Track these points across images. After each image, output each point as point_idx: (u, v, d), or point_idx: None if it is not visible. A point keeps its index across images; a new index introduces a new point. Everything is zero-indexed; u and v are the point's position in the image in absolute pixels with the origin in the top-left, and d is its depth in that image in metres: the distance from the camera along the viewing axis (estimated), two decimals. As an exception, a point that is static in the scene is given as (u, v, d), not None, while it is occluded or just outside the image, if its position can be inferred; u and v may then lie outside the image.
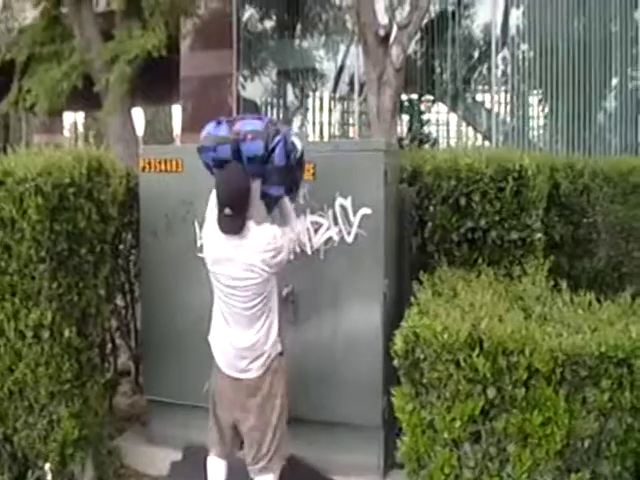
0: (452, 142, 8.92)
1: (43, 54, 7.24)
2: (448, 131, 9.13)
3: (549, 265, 3.71)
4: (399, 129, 7.91)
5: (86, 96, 6.92)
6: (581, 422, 2.57)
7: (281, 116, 9.79)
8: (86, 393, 3.62)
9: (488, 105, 8.63)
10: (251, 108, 9.40)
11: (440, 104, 9.06)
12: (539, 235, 3.84)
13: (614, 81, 8.05)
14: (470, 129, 9.23)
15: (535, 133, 8.72)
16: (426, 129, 9.09)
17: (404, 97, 8.30)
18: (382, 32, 5.96)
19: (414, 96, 8.95)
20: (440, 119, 9.14)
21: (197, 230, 3.75)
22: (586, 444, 2.58)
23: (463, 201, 3.76)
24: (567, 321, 2.80)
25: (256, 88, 9.57)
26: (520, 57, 8.31)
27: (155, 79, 8.34)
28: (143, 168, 3.96)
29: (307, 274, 3.54)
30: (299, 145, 3.15)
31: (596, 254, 4.99)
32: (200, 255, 3.51)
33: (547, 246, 4.14)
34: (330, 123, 9.84)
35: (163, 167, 3.89)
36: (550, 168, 4.44)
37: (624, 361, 2.56)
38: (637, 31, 7.80)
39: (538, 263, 3.72)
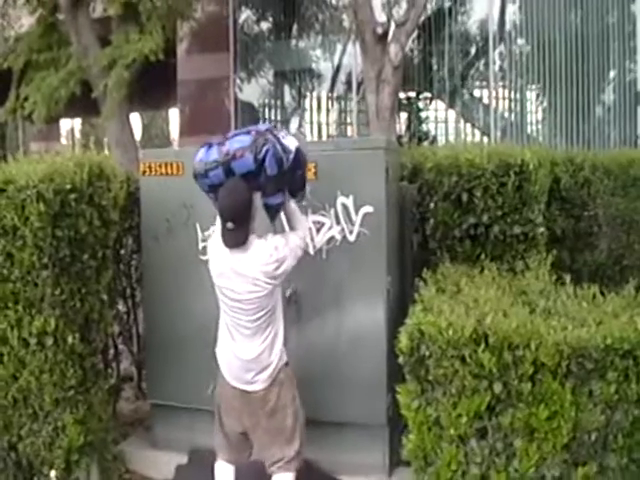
0: (451, 139, 8.91)
1: (40, 61, 7.22)
2: (447, 128, 9.11)
3: (552, 259, 3.71)
4: (398, 127, 7.91)
5: (83, 103, 6.91)
6: (587, 415, 2.56)
7: (279, 117, 9.79)
8: (90, 399, 3.62)
9: (486, 101, 8.61)
10: (249, 110, 9.39)
11: (438, 101, 9.05)
12: (541, 229, 3.84)
13: (612, 74, 8.03)
14: (469, 125, 9.22)
15: (534, 128, 8.71)
16: (425, 126, 9.09)
17: (402, 95, 8.28)
18: (380, 30, 5.95)
19: (412, 94, 8.95)
20: (439, 116, 9.13)
21: (199, 233, 3.75)
22: (593, 437, 2.58)
23: (465, 197, 3.76)
24: (572, 314, 2.80)
25: (254, 90, 9.55)
26: (517, 52, 8.29)
27: (152, 83, 8.32)
28: (143, 172, 3.95)
29: (310, 274, 3.52)
30: (292, 146, 3.07)
31: (597, 247, 4.98)
32: (202, 258, 3.50)
33: (549, 240, 4.14)
34: (328, 123, 9.83)
35: (164, 171, 3.88)
36: (550, 162, 4.43)
37: (630, 353, 2.56)
38: (634, 24, 7.79)
39: (541, 257, 3.72)
